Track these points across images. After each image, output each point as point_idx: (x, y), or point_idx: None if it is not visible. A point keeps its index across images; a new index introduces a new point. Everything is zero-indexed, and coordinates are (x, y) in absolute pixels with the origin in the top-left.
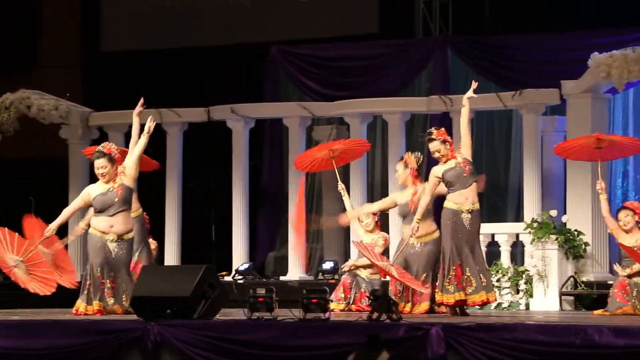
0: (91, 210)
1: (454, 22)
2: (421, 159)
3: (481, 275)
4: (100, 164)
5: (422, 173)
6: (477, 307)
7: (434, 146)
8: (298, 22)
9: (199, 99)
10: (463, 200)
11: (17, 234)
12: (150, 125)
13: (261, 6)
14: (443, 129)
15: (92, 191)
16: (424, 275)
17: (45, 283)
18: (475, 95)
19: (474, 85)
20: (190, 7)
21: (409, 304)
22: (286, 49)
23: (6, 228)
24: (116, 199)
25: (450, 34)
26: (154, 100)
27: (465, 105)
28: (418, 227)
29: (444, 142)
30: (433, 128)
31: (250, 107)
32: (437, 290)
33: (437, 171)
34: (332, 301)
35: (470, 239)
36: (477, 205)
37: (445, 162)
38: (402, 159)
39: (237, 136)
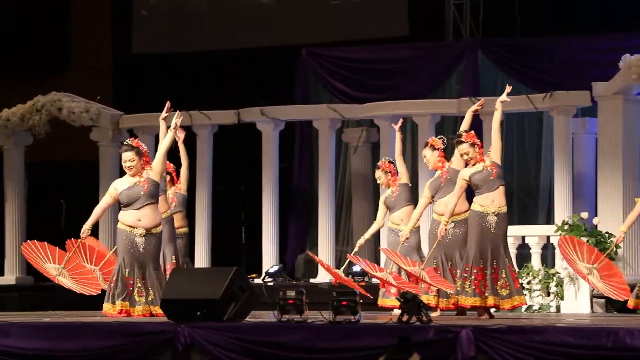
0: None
1: (484, 24)
2: (445, 141)
3: (504, 279)
4: (128, 157)
5: (447, 154)
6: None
7: (462, 149)
8: (328, 25)
9: (229, 101)
10: (489, 203)
11: (56, 247)
12: (176, 121)
13: (291, 9)
14: (472, 132)
15: (119, 186)
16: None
17: (91, 284)
18: (508, 99)
19: (508, 89)
20: (220, 10)
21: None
22: (316, 51)
23: (45, 242)
24: (142, 192)
25: (480, 36)
26: (184, 102)
27: (498, 109)
28: (446, 229)
29: (472, 145)
30: (462, 130)
31: (280, 109)
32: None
33: (464, 174)
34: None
35: (495, 242)
36: (504, 209)
37: (473, 164)
38: (426, 144)
39: (266, 138)
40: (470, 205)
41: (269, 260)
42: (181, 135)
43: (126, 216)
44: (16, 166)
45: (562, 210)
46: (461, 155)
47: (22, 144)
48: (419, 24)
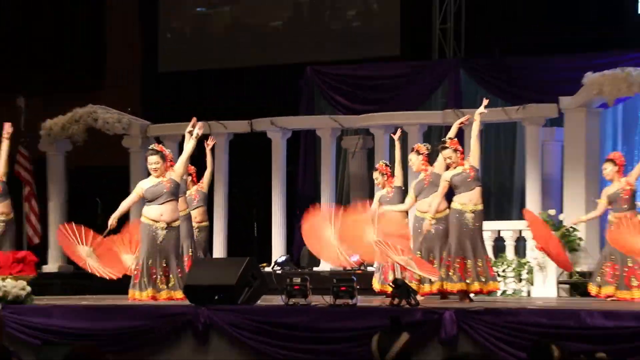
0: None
1: (465, 46)
2: (429, 147)
3: (480, 267)
4: (153, 160)
5: (431, 159)
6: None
7: (446, 153)
8: (329, 46)
9: (242, 113)
10: (467, 201)
11: (82, 227)
12: (198, 131)
13: (297, 32)
14: (456, 139)
15: (144, 185)
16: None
17: (115, 267)
18: (486, 111)
19: (485, 102)
20: (235, 34)
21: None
22: (319, 69)
23: (81, 226)
24: (165, 190)
25: (462, 56)
26: (203, 113)
27: (477, 119)
28: (431, 225)
29: (455, 150)
30: (447, 138)
31: (288, 119)
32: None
33: (446, 176)
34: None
35: (473, 235)
36: (480, 207)
37: (454, 167)
38: (412, 149)
39: (276, 145)
40: (449, 205)
41: (278, 251)
42: (211, 143)
43: (149, 211)
44: (58, 170)
45: (532, 207)
46: (445, 159)
47: (63, 150)
48: (409, 45)
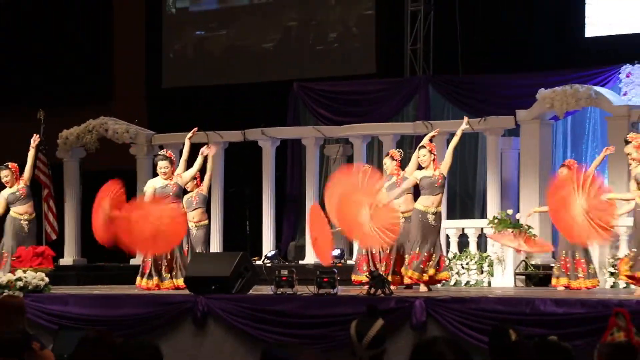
0: None
1: (433, 65)
2: (402, 153)
3: (440, 260)
4: (163, 165)
5: (404, 164)
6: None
7: (422, 153)
8: (313, 64)
9: (236, 124)
10: (430, 204)
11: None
12: (205, 151)
13: (285, 52)
14: (434, 144)
15: (155, 184)
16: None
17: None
18: (468, 127)
19: (466, 119)
20: (230, 54)
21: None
22: (304, 85)
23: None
24: (171, 193)
25: (431, 73)
26: (202, 124)
27: (458, 135)
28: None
29: (430, 152)
30: (428, 140)
31: (277, 130)
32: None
33: (418, 174)
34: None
35: (434, 233)
36: (440, 209)
37: (427, 167)
38: (387, 154)
39: (266, 153)
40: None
41: (268, 246)
42: (208, 151)
43: None
44: (73, 174)
45: (493, 208)
46: (418, 157)
47: (78, 157)
48: (384, 64)
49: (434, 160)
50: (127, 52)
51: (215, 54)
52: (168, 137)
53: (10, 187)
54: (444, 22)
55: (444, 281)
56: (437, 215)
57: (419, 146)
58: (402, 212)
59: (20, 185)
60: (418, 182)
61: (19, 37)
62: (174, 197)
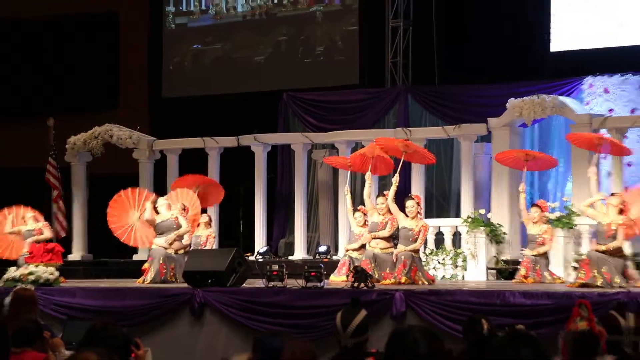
0: None
1: (412, 76)
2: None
3: None
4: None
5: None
6: None
7: (409, 204)
8: (302, 76)
9: (231, 130)
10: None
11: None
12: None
13: (276, 65)
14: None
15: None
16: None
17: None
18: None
19: (397, 178)
20: (225, 66)
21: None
22: (293, 95)
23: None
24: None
25: (410, 84)
26: (199, 131)
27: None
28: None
29: (418, 204)
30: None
31: (268, 136)
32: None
33: (401, 223)
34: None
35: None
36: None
37: (412, 219)
38: (384, 195)
39: (258, 157)
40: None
41: (260, 243)
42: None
43: None
44: (80, 177)
45: (466, 207)
46: (406, 207)
47: (84, 161)
48: (366, 75)
49: (418, 212)
50: (131, 64)
51: (211, 66)
52: (168, 143)
53: None
54: (422, 37)
55: None
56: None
57: (408, 196)
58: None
59: None
60: (396, 228)
61: (31, 52)
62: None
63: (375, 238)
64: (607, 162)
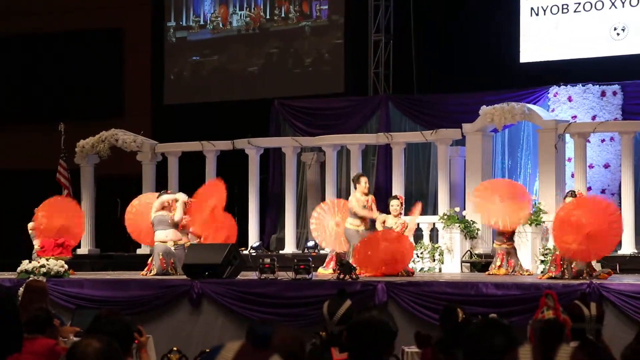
0: None
1: (393, 85)
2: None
3: None
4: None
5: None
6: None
7: (395, 203)
8: (292, 85)
9: (227, 134)
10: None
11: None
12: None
13: (268, 74)
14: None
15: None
16: None
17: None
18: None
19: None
20: (221, 76)
21: None
22: (284, 102)
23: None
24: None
25: (391, 93)
26: (197, 135)
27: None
28: None
29: (401, 204)
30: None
31: (261, 140)
32: None
33: (382, 218)
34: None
35: None
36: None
37: (393, 217)
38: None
39: (251, 159)
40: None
41: (253, 238)
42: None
43: None
44: (88, 178)
45: (443, 206)
46: (391, 206)
47: (92, 163)
48: (351, 84)
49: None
50: (135, 74)
51: (208, 76)
52: (169, 146)
53: None
54: (402, 50)
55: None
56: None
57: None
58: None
59: None
60: (382, 224)
61: (46, 64)
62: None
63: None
64: (570, 164)
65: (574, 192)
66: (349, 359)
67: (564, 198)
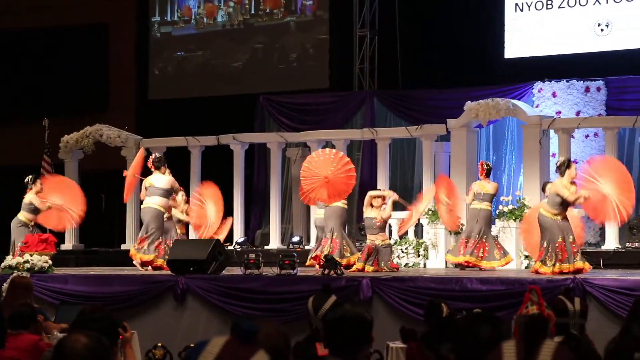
0: None
1: (378, 81)
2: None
3: None
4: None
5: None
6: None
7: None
8: (277, 80)
9: (212, 130)
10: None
11: None
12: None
13: (253, 70)
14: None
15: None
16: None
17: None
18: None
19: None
20: (206, 71)
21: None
22: (269, 98)
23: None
24: None
25: (375, 88)
26: (182, 130)
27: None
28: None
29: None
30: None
31: (245, 135)
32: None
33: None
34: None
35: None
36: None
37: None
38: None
39: (236, 155)
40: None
41: (238, 233)
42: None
43: None
44: (73, 173)
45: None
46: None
47: (77, 158)
48: (336, 80)
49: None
50: (119, 70)
51: (193, 71)
52: (153, 142)
53: None
54: (387, 45)
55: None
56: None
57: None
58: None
59: None
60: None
61: (30, 59)
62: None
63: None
64: (555, 159)
65: (547, 182)
66: (329, 355)
67: (542, 189)
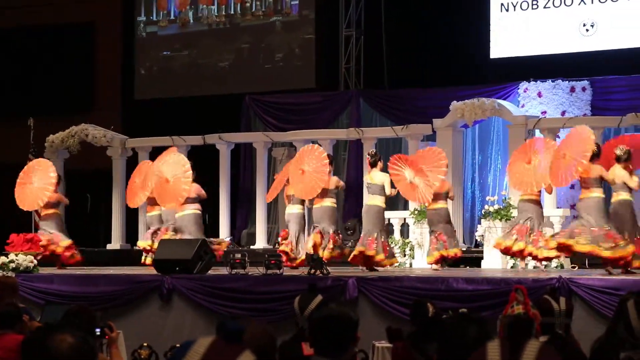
0: None
1: (364, 80)
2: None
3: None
4: None
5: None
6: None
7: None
8: (263, 80)
9: (198, 129)
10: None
11: None
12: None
13: (239, 70)
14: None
15: None
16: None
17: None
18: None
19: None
20: (192, 71)
21: None
22: (255, 97)
23: None
24: None
25: (361, 88)
26: (168, 130)
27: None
28: None
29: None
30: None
31: (231, 135)
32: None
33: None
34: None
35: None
36: None
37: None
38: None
39: (222, 154)
40: None
41: (224, 233)
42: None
43: None
44: (58, 172)
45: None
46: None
47: (62, 157)
48: (322, 79)
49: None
50: (105, 68)
51: (179, 71)
52: (139, 141)
53: None
54: (372, 45)
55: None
56: None
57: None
58: None
59: None
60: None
61: (14, 58)
62: None
63: None
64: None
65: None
66: (315, 354)
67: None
